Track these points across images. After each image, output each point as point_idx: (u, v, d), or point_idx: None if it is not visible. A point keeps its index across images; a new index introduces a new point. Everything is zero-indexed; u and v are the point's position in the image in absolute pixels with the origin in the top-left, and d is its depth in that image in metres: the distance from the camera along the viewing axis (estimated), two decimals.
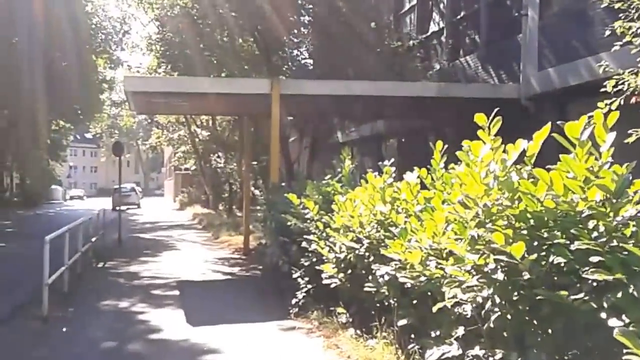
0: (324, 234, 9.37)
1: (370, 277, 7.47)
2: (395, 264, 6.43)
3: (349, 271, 8.59)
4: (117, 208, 25.59)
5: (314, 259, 10.06)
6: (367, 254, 7.82)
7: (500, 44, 17.66)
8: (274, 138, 15.99)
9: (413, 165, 7.27)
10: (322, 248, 9.21)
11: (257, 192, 29.45)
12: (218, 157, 37.97)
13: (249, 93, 16.09)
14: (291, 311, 10.56)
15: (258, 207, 21.79)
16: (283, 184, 16.40)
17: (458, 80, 19.08)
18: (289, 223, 11.25)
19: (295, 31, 22.54)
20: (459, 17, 20.38)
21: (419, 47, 21.79)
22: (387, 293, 7.15)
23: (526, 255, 4.24)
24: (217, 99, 17.06)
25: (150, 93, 15.86)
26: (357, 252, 8.05)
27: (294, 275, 11.13)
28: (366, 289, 7.51)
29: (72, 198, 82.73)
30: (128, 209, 52.63)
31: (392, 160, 8.69)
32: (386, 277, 6.92)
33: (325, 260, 9.17)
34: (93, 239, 18.35)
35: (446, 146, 6.76)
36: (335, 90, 16.23)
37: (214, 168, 38.59)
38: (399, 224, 6.84)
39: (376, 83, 16.81)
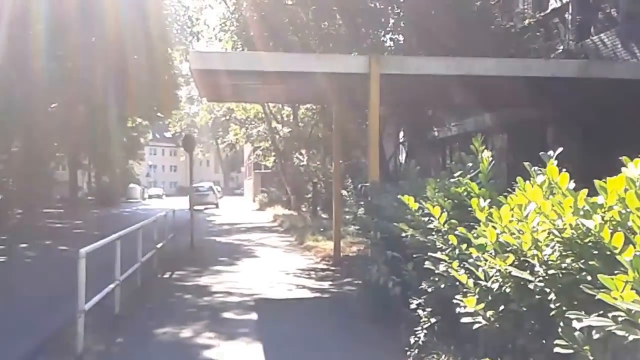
0: (459, 252, 6.52)
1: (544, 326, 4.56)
2: (619, 316, 3.50)
3: (502, 307, 5.69)
4: (193, 208, 22.96)
5: (443, 285, 7.18)
6: (546, 288, 4.87)
7: None
8: (373, 127, 13.14)
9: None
10: (457, 271, 6.31)
11: (344, 192, 26.85)
12: (300, 154, 35.27)
13: (341, 72, 13.25)
14: (409, 353, 7.85)
15: (347, 209, 19.01)
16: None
17: None
18: (403, 234, 8.44)
19: (390, 10, 19.64)
20: None
21: (537, 26, 18.66)
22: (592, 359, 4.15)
23: None
24: (300, 82, 14.31)
25: (221, 72, 13.17)
26: (524, 283, 5.14)
27: (412, 305, 8.30)
28: (556, 349, 4.53)
29: (150, 197, 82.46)
30: (206, 208, 50.83)
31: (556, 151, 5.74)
32: (595, 335, 3.93)
33: (464, 290, 6.25)
34: (159, 245, 15.83)
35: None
36: (448, 69, 13.32)
37: (296, 166, 35.89)
38: (617, 248, 3.85)
39: (500, 60, 13.85)
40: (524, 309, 5.23)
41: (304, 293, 13.24)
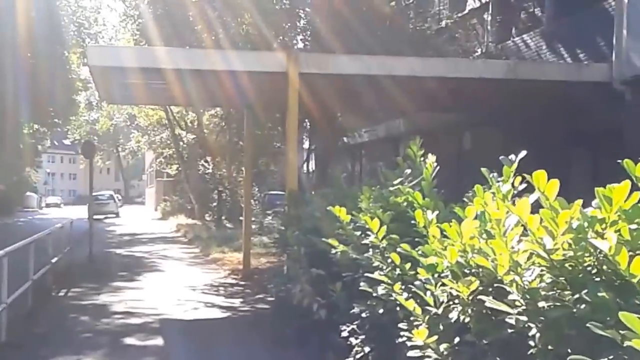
0: (401, 273, 5.65)
1: None
2: None
3: (458, 339, 4.84)
4: (92, 218, 21.24)
5: (381, 310, 6.28)
6: (528, 324, 4.01)
7: (576, 16, 14.01)
8: (291, 132, 12.25)
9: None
10: (400, 294, 5.43)
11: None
12: (205, 162, 33.96)
13: (255, 71, 12.28)
14: None
15: (252, 219, 17.99)
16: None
17: None
18: (333, 251, 7.53)
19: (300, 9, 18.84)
20: None
21: (455, 27, 18.16)
22: None
23: None
24: (208, 83, 13.27)
25: (121, 70, 11.96)
26: (490, 313, 4.32)
27: (343, 331, 7.37)
28: None
29: (48, 206, 79.01)
30: (106, 217, 48.72)
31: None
32: None
33: (411, 318, 5.36)
34: (54, 259, 14.42)
35: None
36: (370, 69, 12.57)
37: (201, 174, 34.52)
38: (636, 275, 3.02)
39: (426, 60, 13.21)
40: (486, 344, 4.40)
41: (214, 312, 12.16)
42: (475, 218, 4.49)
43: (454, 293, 4.62)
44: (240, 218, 27.47)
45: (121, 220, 48.28)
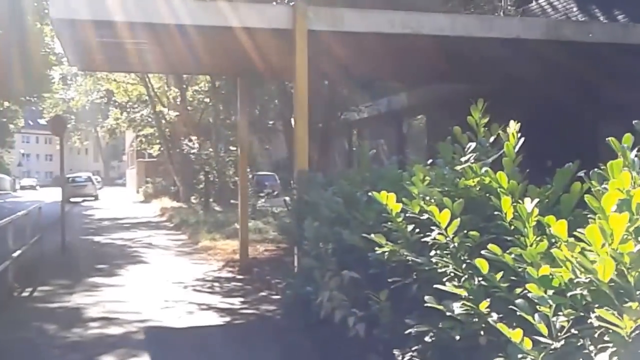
0: (487, 285, 4.13)
1: None
2: None
3: None
4: (65, 202, 18.88)
5: (457, 336, 4.49)
6: None
7: None
8: (300, 100, 10.10)
9: None
10: (488, 315, 3.88)
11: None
12: (190, 141, 31.69)
13: (254, 27, 10.11)
14: None
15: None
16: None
17: None
18: (378, 250, 5.62)
19: None
20: None
21: None
22: None
23: None
24: (195, 44, 11.08)
25: (92, 24, 9.73)
26: None
27: (397, 356, 5.47)
28: None
29: (23, 188, 76.47)
30: (84, 200, 46.43)
31: None
32: None
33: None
34: (16, 252, 12.28)
35: None
36: (392, 26, 10.49)
37: (185, 154, 32.18)
38: None
39: (456, 17, 11.18)
40: None
41: (210, 317, 10.06)
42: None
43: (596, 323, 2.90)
44: (232, 201, 25.42)
45: (100, 203, 45.80)
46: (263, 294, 11.48)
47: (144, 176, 51.74)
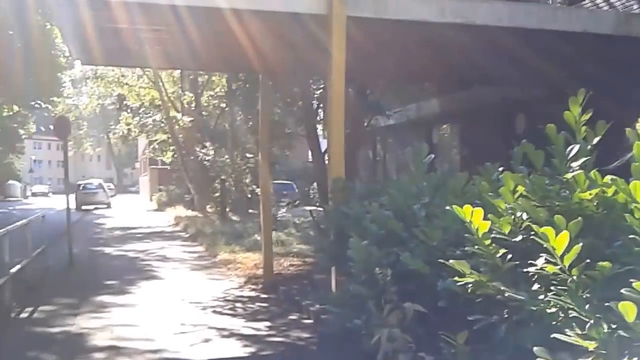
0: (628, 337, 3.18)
1: None
2: None
3: None
4: (70, 210, 17.55)
5: None
6: None
7: None
8: (336, 98, 8.92)
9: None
10: None
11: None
12: (204, 147, 30.45)
13: (283, 12, 8.92)
14: None
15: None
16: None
17: None
18: (459, 281, 4.32)
19: None
20: None
21: None
22: None
23: None
24: (210, 33, 9.91)
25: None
26: None
27: None
28: None
29: (34, 195, 75.64)
30: (96, 208, 45.34)
31: None
32: None
33: None
34: (13, 269, 11.02)
35: None
36: (442, 15, 9.33)
37: (200, 161, 30.91)
38: None
39: (516, 5, 10.10)
40: None
41: (232, 346, 8.73)
42: None
43: None
44: (249, 210, 24.16)
45: (112, 211, 44.64)
46: (292, 317, 10.17)
47: (157, 184, 50.74)
